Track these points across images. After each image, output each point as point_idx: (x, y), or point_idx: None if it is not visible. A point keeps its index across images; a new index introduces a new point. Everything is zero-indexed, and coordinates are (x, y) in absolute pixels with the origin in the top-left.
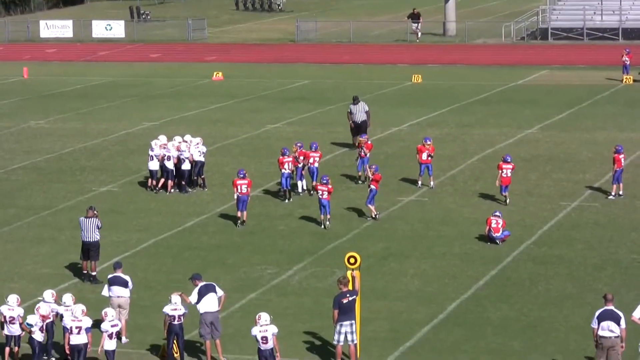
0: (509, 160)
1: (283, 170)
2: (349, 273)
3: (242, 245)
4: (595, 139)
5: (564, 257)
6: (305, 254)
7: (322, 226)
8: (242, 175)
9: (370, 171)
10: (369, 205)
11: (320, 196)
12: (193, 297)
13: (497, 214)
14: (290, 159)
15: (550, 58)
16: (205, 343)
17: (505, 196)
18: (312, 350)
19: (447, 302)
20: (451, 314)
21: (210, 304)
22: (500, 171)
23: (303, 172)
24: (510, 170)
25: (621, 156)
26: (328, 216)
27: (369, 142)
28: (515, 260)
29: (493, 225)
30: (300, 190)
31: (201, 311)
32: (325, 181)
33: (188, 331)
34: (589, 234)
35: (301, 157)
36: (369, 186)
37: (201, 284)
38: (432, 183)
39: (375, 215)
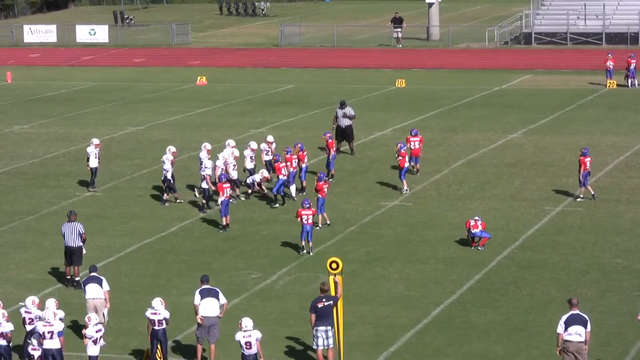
0: (416, 133)
1: (280, 177)
2: (331, 278)
3: (226, 250)
4: (578, 143)
5: (548, 262)
6: (289, 259)
7: (304, 251)
8: (225, 179)
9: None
10: (321, 214)
11: (305, 221)
12: (196, 299)
13: (477, 218)
14: (285, 164)
15: (534, 62)
16: (197, 346)
17: (416, 167)
18: (296, 355)
19: (431, 307)
20: (435, 319)
21: (208, 308)
22: (408, 144)
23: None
24: (418, 143)
25: (587, 159)
26: (311, 243)
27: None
28: (500, 265)
29: (472, 225)
30: (294, 195)
31: (200, 314)
32: (308, 205)
33: (178, 332)
34: (573, 239)
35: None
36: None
37: (204, 286)
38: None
39: (328, 223)
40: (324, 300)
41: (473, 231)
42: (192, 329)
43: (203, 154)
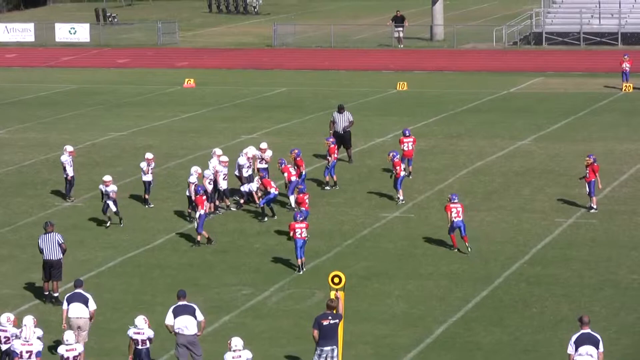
0: (409, 134)
1: (272, 190)
2: (332, 293)
3: (215, 264)
4: (592, 151)
5: (559, 277)
6: (282, 274)
7: (299, 270)
8: (202, 192)
9: (296, 191)
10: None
11: (299, 235)
12: (168, 318)
13: (455, 200)
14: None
15: (545, 64)
16: None
17: (409, 170)
18: None
19: (435, 326)
20: (438, 338)
21: (184, 327)
22: (402, 145)
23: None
24: (411, 144)
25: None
26: (303, 259)
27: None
28: (507, 281)
29: (454, 214)
30: (293, 204)
31: (176, 332)
32: (301, 218)
33: (164, 352)
34: (586, 253)
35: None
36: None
37: (179, 303)
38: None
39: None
40: (329, 317)
41: (455, 220)
42: None
43: (214, 161)
